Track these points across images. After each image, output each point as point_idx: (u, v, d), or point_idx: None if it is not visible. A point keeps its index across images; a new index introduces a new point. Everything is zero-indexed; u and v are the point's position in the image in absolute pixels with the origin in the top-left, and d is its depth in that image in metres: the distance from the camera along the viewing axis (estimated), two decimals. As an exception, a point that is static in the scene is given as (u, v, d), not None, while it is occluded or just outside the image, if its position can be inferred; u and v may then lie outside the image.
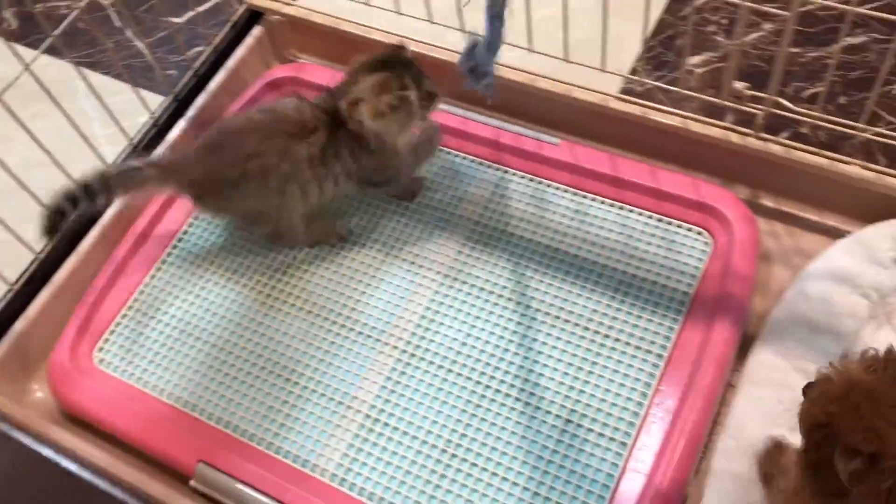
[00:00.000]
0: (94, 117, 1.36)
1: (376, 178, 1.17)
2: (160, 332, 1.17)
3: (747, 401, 1.01)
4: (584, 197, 1.20)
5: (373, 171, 1.14)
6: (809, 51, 1.34)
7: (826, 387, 0.73)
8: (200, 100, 1.36)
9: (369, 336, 1.12)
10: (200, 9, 1.56)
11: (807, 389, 0.77)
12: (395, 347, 1.11)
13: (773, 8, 1.06)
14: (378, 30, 1.33)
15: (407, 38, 1.31)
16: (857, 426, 0.69)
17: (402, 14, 1.27)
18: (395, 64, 1.08)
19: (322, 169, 1.10)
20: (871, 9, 1.34)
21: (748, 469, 0.96)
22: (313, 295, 1.17)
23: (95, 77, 1.48)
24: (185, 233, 1.25)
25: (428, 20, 1.25)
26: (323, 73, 1.36)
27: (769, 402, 0.99)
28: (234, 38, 1.42)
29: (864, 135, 1.09)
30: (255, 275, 1.20)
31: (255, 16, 1.44)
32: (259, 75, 1.40)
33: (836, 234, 1.13)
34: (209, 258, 1.22)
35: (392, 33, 1.32)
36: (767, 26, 1.38)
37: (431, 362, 1.09)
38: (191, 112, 1.34)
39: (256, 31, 1.43)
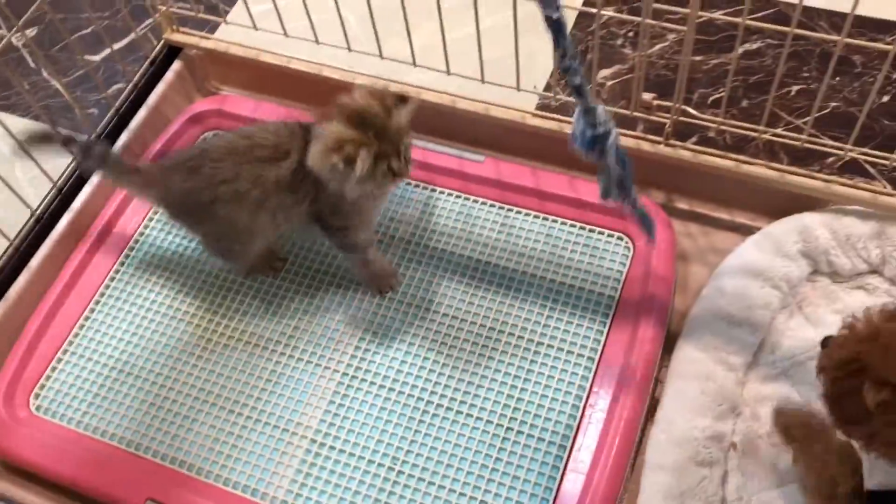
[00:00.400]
0: (15, 161, 1.34)
1: (332, 221, 1.11)
2: (98, 374, 1.16)
3: (674, 395, 1.06)
4: (510, 210, 1.24)
5: (329, 209, 1.09)
6: (711, 58, 1.42)
7: (853, 331, 0.81)
8: (123, 138, 1.36)
9: (309, 361, 1.14)
10: (117, 46, 1.55)
11: (826, 340, 0.86)
12: (336, 371, 1.13)
13: (672, 21, 1.12)
14: (298, 59, 1.36)
15: (326, 65, 1.34)
16: (887, 362, 0.77)
17: (320, 43, 1.30)
18: (371, 127, 0.98)
19: (290, 196, 1.07)
20: (763, 17, 1.44)
21: (680, 460, 1.01)
22: (251, 325, 1.18)
23: (13, 120, 1.47)
24: (118, 272, 1.25)
25: (346, 48, 1.28)
26: (246, 105, 1.38)
27: (694, 394, 1.05)
28: (154, 74, 1.42)
29: (765, 136, 1.16)
30: (192, 309, 1.20)
31: (173, 51, 1.45)
32: (181, 110, 1.40)
33: (746, 231, 1.20)
34: (145, 296, 1.22)
35: (311, 62, 1.34)
36: (671, 37, 1.45)
37: (373, 382, 1.11)
38: (114, 151, 1.34)
39: (176, 65, 1.44)
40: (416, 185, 1.28)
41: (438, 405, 1.09)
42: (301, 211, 1.10)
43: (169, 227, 1.28)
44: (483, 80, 1.22)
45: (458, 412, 1.08)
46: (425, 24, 1.37)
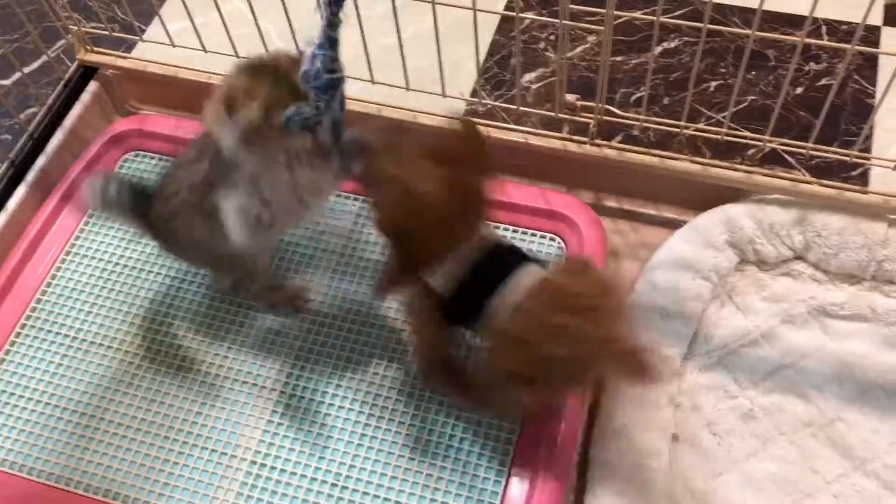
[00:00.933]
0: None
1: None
2: (23, 409, 1.11)
3: (613, 390, 1.07)
4: (442, 217, 1.24)
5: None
6: (631, 58, 1.44)
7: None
8: (40, 162, 1.31)
9: (245, 381, 1.11)
10: (28, 69, 1.50)
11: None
12: (274, 390, 1.10)
13: (591, 23, 1.14)
14: (219, 74, 1.33)
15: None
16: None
17: (241, 57, 1.27)
18: (274, 76, 0.88)
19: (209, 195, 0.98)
20: (679, 16, 1.47)
21: (621, 455, 1.02)
22: (182, 347, 1.15)
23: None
24: (40, 301, 1.20)
25: (268, 61, 1.26)
26: (167, 123, 1.34)
27: (630, 388, 1.06)
28: (69, 97, 1.38)
29: (687, 131, 1.19)
30: (118, 335, 1.16)
31: (88, 71, 1.40)
32: (100, 132, 1.36)
33: (674, 225, 1.22)
34: (69, 324, 1.18)
35: (234, 77, 1.32)
36: (591, 38, 1.47)
37: (312, 399, 1.09)
38: (30, 176, 1.29)
39: (92, 86, 1.39)
40: (347, 197, 1.27)
41: (380, 418, 1.07)
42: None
43: (87, 253, 1.24)
44: (408, 88, 1.22)
45: (401, 423, 1.06)
46: (348, 35, 1.35)
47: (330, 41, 0.84)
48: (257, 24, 1.21)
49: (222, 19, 1.21)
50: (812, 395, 1.07)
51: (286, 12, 1.16)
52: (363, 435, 1.06)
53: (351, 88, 1.29)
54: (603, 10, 1.04)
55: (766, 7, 0.95)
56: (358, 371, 1.11)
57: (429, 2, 1.07)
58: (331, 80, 0.86)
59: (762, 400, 1.07)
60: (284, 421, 1.08)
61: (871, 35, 1.44)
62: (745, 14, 1.47)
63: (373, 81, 1.23)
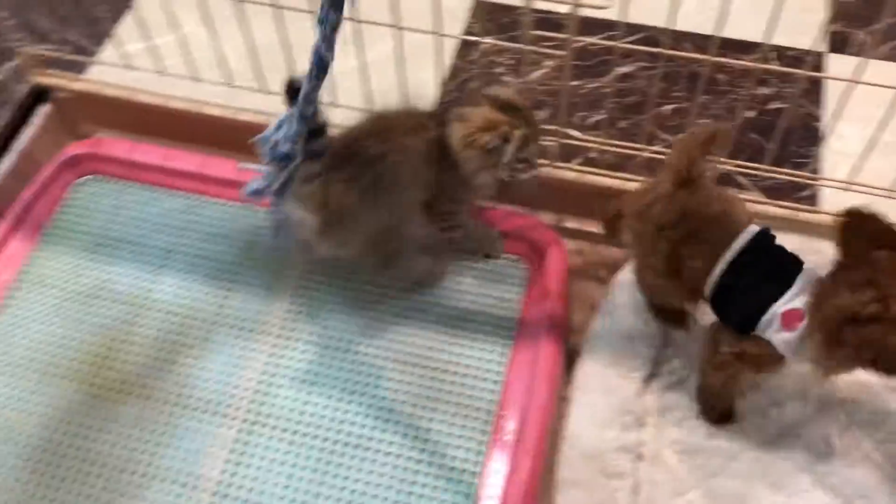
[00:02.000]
0: None
1: (442, 206, 1.12)
2: (-29, 444, 1.07)
3: (580, 409, 1.07)
4: (405, 240, 1.24)
5: (445, 192, 1.10)
6: (588, 82, 1.46)
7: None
8: (-11, 186, 1.27)
9: (206, 410, 1.09)
10: (-24, 91, 1.46)
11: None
12: (235, 418, 1.08)
13: (550, 48, 1.15)
14: (177, 97, 1.31)
15: (206, 102, 1.30)
16: None
17: (199, 80, 1.26)
18: (518, 114, 1.04)
19: (426, 170, 1.07)
20: (634, 41, 1.50)
21: (591, 474, 1.02)
22: (140, 377, 1.12)
23: None
24: (-12, 331, 1.16)
25: (226, 84, 1.25)
26: (122, 146, 1.32)
27: (599, 408, 1.06)
28: (20, 119, 1.34)
29: (645, 153, 1.21)
30: (73, 366, 1.13)
31: (41, 94, 1.37)
32: (53, 155, 1.33)
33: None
34: (19, 353, 1.14)
35: (191, 99, 1.31)
36: (549, 63, 1.49)
37: (275, 426, 1.07)
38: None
39: (45, 109, 1.36)
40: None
41: (346, 444, 1.06)
42: (421, 195, 1.09)
43: (38, 280, 1.20)
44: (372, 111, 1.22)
45: (367, 449, 1.05)
46: (308, 58, 1.35)
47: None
48: (216, 49, 1.20)
49: (178, 43, 1.20)
50: (773, 411, 1.09)
51: (244, 35, 1.16)
52: (329, 462, 1.04)
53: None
54: (561, 35, 1.06)
55: (718, 33, 0.98)
56: (323, 396, 1.09)
57: (390, 26, 1.08)
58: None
59: (725, 418, 1.09)
60: (248, 450, 1.06)
61: (817, 60, 1.49)
62: (696, 40, 1.50)
63: (335, 104, 1.23)
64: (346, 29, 1.10)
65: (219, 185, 1.28)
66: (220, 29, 1.20)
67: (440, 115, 1.07)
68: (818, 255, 1.15)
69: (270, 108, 1.28)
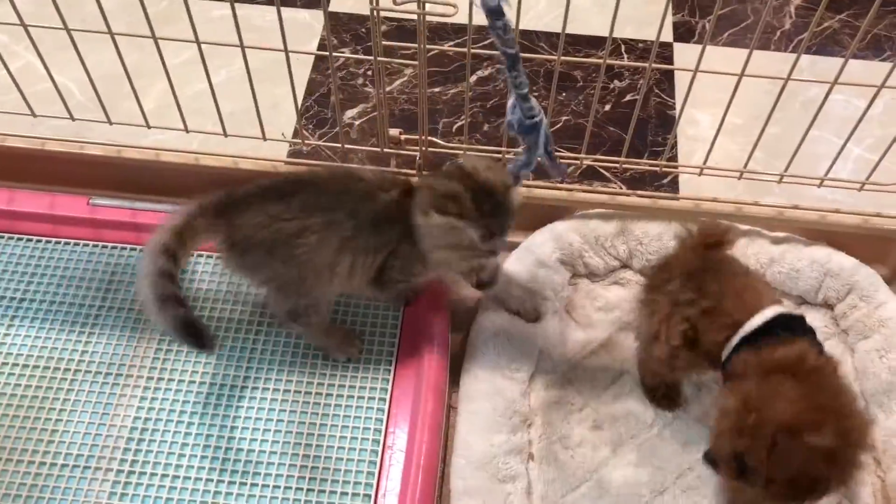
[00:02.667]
0: None
1: (393, 274, 1.04)
2: None
3: (468, 417, 1.07)
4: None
5: (401, 263, 1.03)
6: (449, 88, 1.47)
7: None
8: None
9: (76, 465, 1.02)
10: None
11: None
12: (109, 469, 1.02)
13: (405, 57, 1.15)
14: (14, 135, 1.23)
15: (48, 138, 1.22)
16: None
17: (38, 116, 1.18)
18: (486, 195, 0.95)
19: (374, 238, 1.01)
20: (488, 45, 1.52)
21: (483, 482, 1.01)
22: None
23: None
24: None
25: (69, 118, 1.18)
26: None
27: (486, 413, 1.06)
28: None
29: (508, 155, 1.22)
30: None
31: None
32: None
33: (509, 248, 1.24)
34: None
35: (31, 136, 1.23)
36: (409, 72, 1.49)
37: (153, 474, 1.02)
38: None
39: None
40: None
41: (231, 482, 1.01)
42: (373, 264, 1.03)
43: None
44: (226, 134, 1.17)
45: (254, 485, 1.01)
46: (156, 85, 1.30)
47: (521, 97, 0.91)
48: (53, 80, 1.13)
49: (11, 77, 1.12)
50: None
51: (84, 66, 1.09)
52: (215, 503, 1.00)
53: (164, 138, 1.25)
54: (415, 45, 1.05)
55: (568, 31, 1.00)
56: (201, 436, 1.04)
57: (236, 46, 1.04)
58: (532, 125, 0.94)
59: (607, 409, 1.11)
60: (124, 501, 0.99)
61: (666, 51, 1.55)
62: (551, 38, 1.54)
63: (186, 130, 1.18)
64: (191, 50, 1.06)
65: (71, 224, 1.21)
66: (57, 62, 1.13)
67: (407, 183, 1.02)
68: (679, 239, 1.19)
69: (120, 138, 1.22)
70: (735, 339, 0.94)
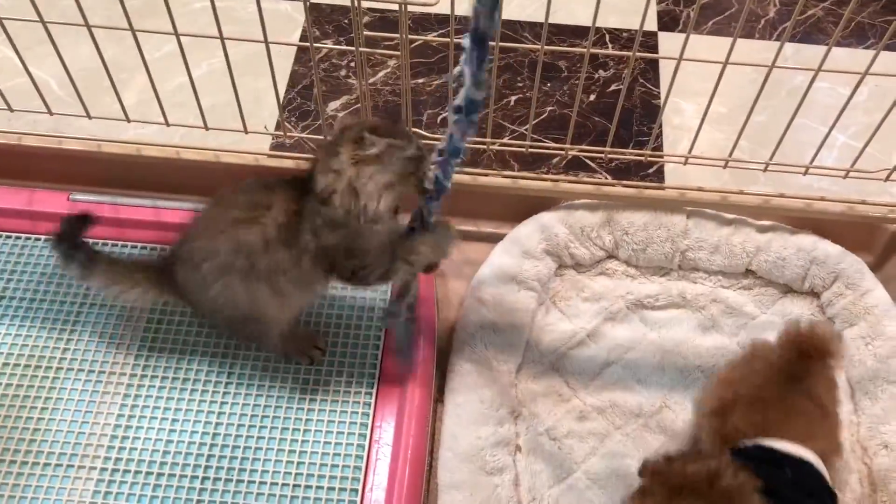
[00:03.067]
0: None
1: (344, 266, 0.94)
2: None
3: (454, 410, 1.06)
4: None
5: (338, 253, 0.92)
6: (433, 79, 1.46)
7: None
8: None
9: (59, 464, 1.01)
10: None
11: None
12: (93, 468, 1.01)
13: (388, 48, 1.13)
14: (32, 134, 1.21)
15: (26, 133, 1.21)
16: None
17: (14, 111, 1.16)
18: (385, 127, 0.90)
19: (284, 253, 0.92)
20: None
21: (471, 474, 1.01)
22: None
23: None
24: None
25: (47, 112, 1.16)
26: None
27: (473, 406, 1.06)
28: None
29: (494, 147, 1.21)
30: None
31: None
32: None
33: (494, 239, 1.24)
34: None
35: (8, 132, 1.21)
36: (392, 63, 1.48)
37: (138, 472, 1.01)
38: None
39: None
40: (154, 248, 1.19)
41: (216, 479, 1.00)
42: (306, 270, 0.93)
43: None
44: (207, 128, 1.16)
45: (239, 481, 1.00)
46: (136, 79, 1.28)
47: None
48: (30, 75, 1.11)
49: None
50: (637, 387, 1.12)
51: (62, 60, 1.07)
52: (200, 501, 0.99)
53: (144, 132, 1.23)
54: (398, 36, 1.04)
55: (552, 20, 0.99)
56: (186, 433, 1.03)
57: (217, 38, 1.03)
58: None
59: (593, 399, 1.10)
60: (108, 500, 0.98)
61: (650, 40, 1.54)
62: (535, 28, 1.53)
63: (167, 124, 1.16)
64: (172, 44, 1.04)
65: (50, 220, 1.19)
66: (34, 56, 1.11)
67: (292, 186, 0.93)
68: (664, 229, 1.19)
69: (100, 133, 1.21)
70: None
